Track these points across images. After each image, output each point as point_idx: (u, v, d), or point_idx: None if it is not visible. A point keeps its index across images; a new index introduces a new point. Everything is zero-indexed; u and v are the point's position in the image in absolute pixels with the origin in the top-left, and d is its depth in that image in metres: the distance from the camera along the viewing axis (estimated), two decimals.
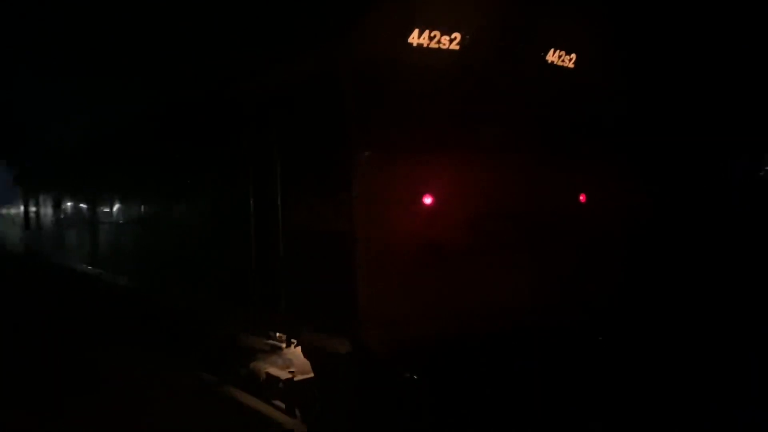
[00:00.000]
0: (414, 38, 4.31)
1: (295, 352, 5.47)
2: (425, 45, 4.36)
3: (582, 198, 5.17)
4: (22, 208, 17.98)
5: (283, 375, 5.43)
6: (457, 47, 4.49)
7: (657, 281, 7.29)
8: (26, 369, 6.88)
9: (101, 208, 10.29)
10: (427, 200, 4.33)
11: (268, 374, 5.59)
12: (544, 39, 4.99)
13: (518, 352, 4.59)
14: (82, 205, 11.70)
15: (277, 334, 5.63)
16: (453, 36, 4.45)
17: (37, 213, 15.85)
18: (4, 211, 23.24)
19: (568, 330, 4.97)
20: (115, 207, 9.59)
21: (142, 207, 8.56)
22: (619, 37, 5.31)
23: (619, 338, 5.63)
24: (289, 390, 5.35)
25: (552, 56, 5.23)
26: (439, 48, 4.41)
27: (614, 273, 5.23)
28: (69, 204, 12.68)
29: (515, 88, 4.81)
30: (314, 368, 5.13)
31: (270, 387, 5.58)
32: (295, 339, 5.32)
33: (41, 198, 15.34)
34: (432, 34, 4.37)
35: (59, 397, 5.82)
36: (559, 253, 4.84)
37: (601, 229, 5.08)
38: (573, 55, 5.38)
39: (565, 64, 5.40)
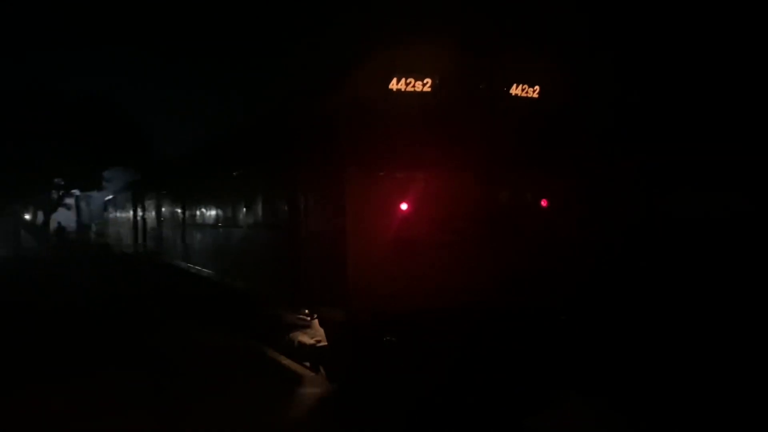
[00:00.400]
0: (393, 85, 6.02)
1: (318, 324, 7.34)
2: (402, 89, 6.05)
3: (543, 203, 6.71)
4: (131, 212, 21.33)
5: (310, 342, 7.45)
6: (429, 89, 6.15)
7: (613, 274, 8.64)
8: (143, 337, 9.59)
9: (190, 214, 12.71)
10: (403, 207, 5.99)
11: (300, 342, 7.67)
12: (501, 77, 6.48)
13: (473, 323, 6.14)
14: (176, 211, 14.21)
15: (306, 311, 7.49)
16: (425, 81, 6.14)
17: (143, 217, 18.72)
18: (121, 214, 28.15)
19: (526, 309, 6.70)
20: (199, 214, 11.91)
21: (218, 215, 10.73)
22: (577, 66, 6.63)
23: (582, 320, 7.13)
24: (314, 353, 7.32)
25: (514, 90, 6.75)
26: (414, 91, 6.09)
27: (567, 265, 6.57)
28: (167, 210, 15.30)
29: (477, 118, 6.34)
30: (326, 335, 7.01)
31: (301, 351, 7.65)
32: (315, 314, 7.18)
33: (146, 204, 18.19)
34: (408, 81, 6.08)
35: (166, 356, 8.31)
36: (511, 247, 6.32)
37: (551, 228, 6.54)
38: (535, 88, 6.90)
39: (529, 95, 6.89)
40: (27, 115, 30.64)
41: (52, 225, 37.85)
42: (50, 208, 38.64)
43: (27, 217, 40.03)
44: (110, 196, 30.39)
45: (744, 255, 9.47)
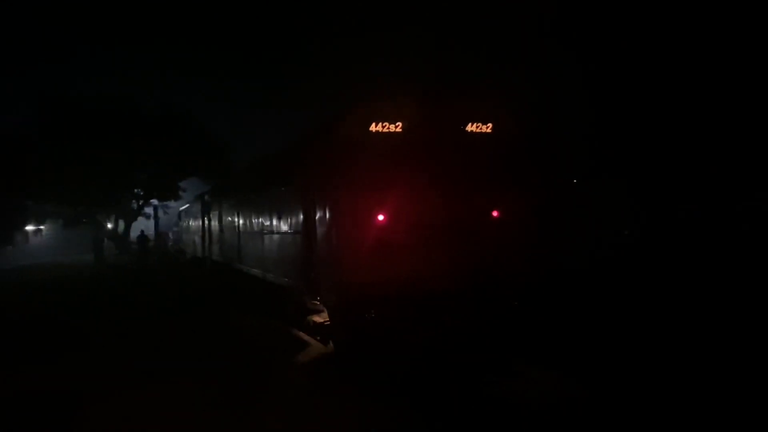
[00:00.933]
0: (372, 128, 8.63)
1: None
2: (380, 131, 8.65)
3: (494, 213, 9.33)
4: (199, 222, 24.92)
5: (320, 321, 10.25)
6: (400, 130, 8.73)
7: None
8: (216, 324, 12.96)
9: (240, 223, 15.94)
10: (380, 217, 8.55)
11: (314, 321, 10.50)
12: (459, 118, 9.07)
13: (435, 305, 8.67)
14: (231, 220, 17.45)
15: (317, 299, 10.27)
16: (396, 124, 8.73)
17: (208, 226, 22.38)
18: (191, 223, 29.93)
19: (480, 295, 9.08)
20: (247, 223, 15.09)
21: (259, 224, 13.78)
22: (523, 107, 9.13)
23: (540, 307, 9.52)
24: (322, 329, 10.11)
25: (469, 127, 9.25)
26: (388, 131, 8.68)
27: (514, 261, 9.07)
28: (225, 220, 18.66)
29: (438, 150, 8.88)
30: (329, 315, 9.67)
31: (315, 328, 10.49)
32: (321, 300, 9.90)
33: (210, 214, 21.77)
34: (383, 125, 8.68)
35: (232, 335, 11.58)
36: (465, 248, 8.77)
37: (500, 233, 9.02)
38: (488, 125, 9.33)
39: (482, 131, 9.33)
40: (110, 129, 34.03)
41: (133, 233, 40.14)
42: (131, 217, 42.25)
43: (109, 225, 42.94)
44: (183, 207, 33.93)
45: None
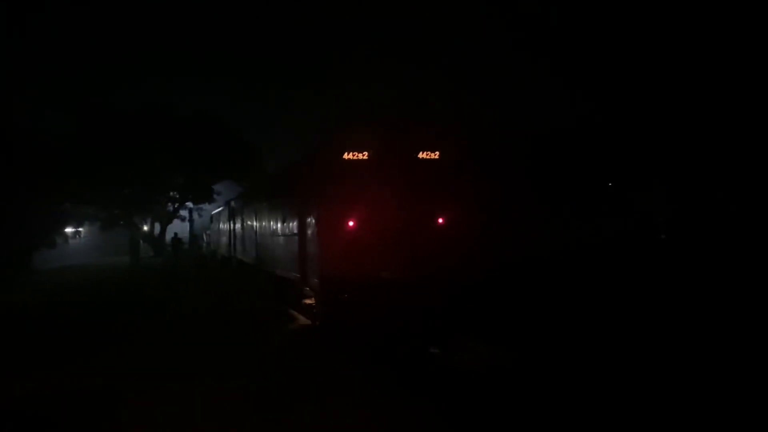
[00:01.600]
0: (345, 156, 12.06)
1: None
2: (351, 158, 12.07)
3: (440, 220, 12.90)
4: (227, 225, 29.11)
5: (309, 303, 13.75)
6: (366, 157, 12.13)
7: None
8: (235, 308, 16.88)
9: (257, 227, 19.82)
10: (351, 223, 11.97)
11: (305, 304, 13.99)
12: (413, 148, 12.56)
13: (391, 289, 11.97)
14: (250, 225, 21.34)
15: (307, 287, 13.85)
16: (363, 153, 12.14)
17: (234, 229, 26.54)
18: (221, 226, 33.74)
19: (425, 281, 12.30)
20: (261, 227, 18.99)
21: (269, 228, 17.59)
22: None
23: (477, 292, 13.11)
24: (310, 309, 13.59)
25: (421, 155, 12.77)
26: (357, 159, 12.08)
27: (453, 256, 12.39)
28: (246, 224, 22.56)
29: (396, 172, 12.21)
30: (314, 298, 13.25)
31: (305, 309, 13.97)
32: (309, 287, 13.49)
33: (236, 219, 25.84)
34: (353, 153, 12.08)
35: (246, 315, 15.40)
36: (416, 246, 12.09)
37: (443, 235, 12.43)
38: (436, 153, 12.88)
39: (431, 157, 12.92)
40: (147, 134, 36.92)
41: (168, 235, 41.68)
42: (166, 220, 44.54)
43: (145, 228, 45.71)
44: (215, 211, 37.52)
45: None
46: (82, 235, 46.00)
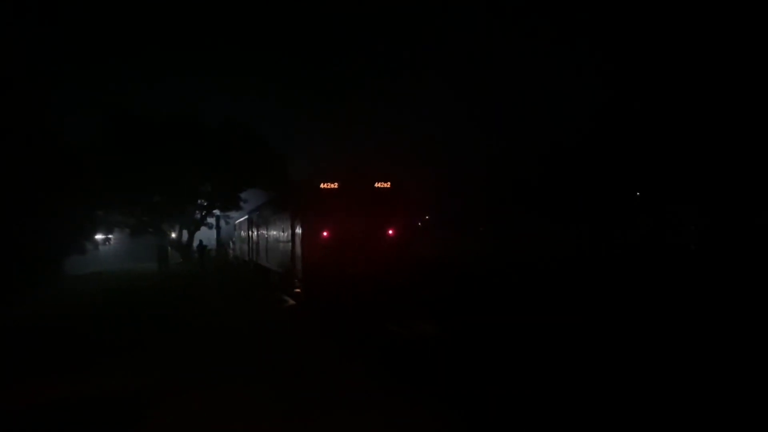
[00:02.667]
0: (321, 185, 18.59)
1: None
2: (325, 188, 18.54)
3: (390, 232, 19.86)
4: (248, 233, 36.44)
5: (297, 290, 20.27)
6: (336, 186, 18.52)
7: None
8: (245, 297, 23.97)
9: (266, 234, 26.80)
10: (325, 234, 18.42)
11: (295, 291, 20.30)
12: (371, 179, 19.52)
13: (356, 282, 18.54)
14: (262, 233, 28.29)
15: (297, 279, 20.44)
16: (335, 183, 18.59)
17: (251, 236, 33.84)
18: (243, 234, 39.86)
19: (381, 277, 18.90)
20: (268, 234, 26.00)
21: (272, 235, 24.58)
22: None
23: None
24: (298, 295, 20.24)
25: (376, 185, 18.92)
26: (330, 188, 18.54)
27: (400, 260, 19.28)
28: (261, 232, 29.47)
29: (359, 197, 18.96)
30: (299, 284, 20.06)
31: (294, 295, 20.55)
32: (297, 278, 20.24)
33: (253, 227, 32.99)
34: (327, 184, 18.48)
35: (252, 301, 22.60)
36: (373, 251, 18.88)
37: (392, 244, 19.18)
38: (387, 183, 19.21)
39: (384, 186, 19.34)
40: (176, 141, 41.02)
41: (195, 243, 45.63)
42: (194, 227, 48.83)
43: (173, 235, 49.47)
44: (239, 220, 43.09)
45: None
46: (111, 242, 49.31)
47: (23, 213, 23.35)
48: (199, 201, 48.39)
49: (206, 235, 49.17)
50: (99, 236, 45.72)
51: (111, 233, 48.39)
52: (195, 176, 44.30)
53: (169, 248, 45.08)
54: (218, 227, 52.60)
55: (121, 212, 43.94)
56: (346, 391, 9.47)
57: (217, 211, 49.95)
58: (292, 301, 21.26)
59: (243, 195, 48.13)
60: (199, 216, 49.65)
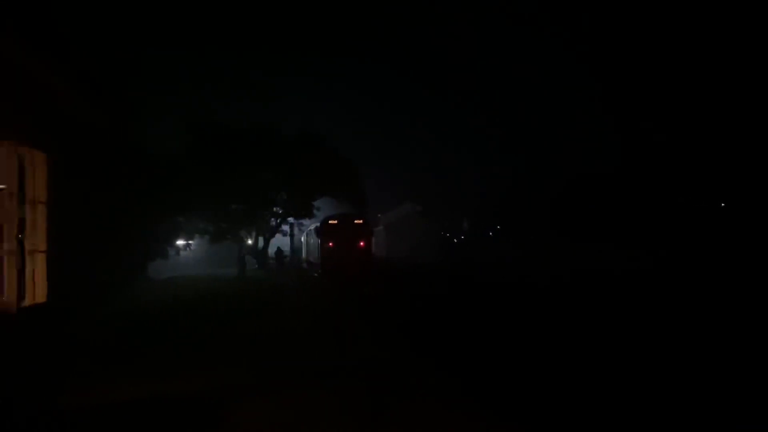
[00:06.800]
0: (330, 222, 46.26)
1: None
2: (332, 223, 46.41)
3: (361, 244, 46.32)
4: (314, 240, 52.15)
5: (320, 271, 46.86)
6: (336, 222, 46.20)
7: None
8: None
9: (317, 243, 53.33)
10: (330, 244, 45.83)
11: (318, 272, 48.48)
12: (354, 218, 48.94)
13: (344, 267, 45.97)
14: (317, 241, 54.91)
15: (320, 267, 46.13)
16: (337, 220, 46.51)
17: (313, 243, 59.37)
18: (313, 241, 50.89)
19: (357, 265, 45.84)
20: (317, 243, 52.06)
21: (316, 243, 50.34)
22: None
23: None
24: (319, 273, 48.02)
25: (356, 221, 48.72)
26: (335, 223, 46.65)
27: (368, 260, 47.27)
28: (318, 241, 55.89)
29: (347, 226, 47.93)
30: (320, 268, 47.83)
31: (319, 275, 48.48)
32: (320, 266, 46.08)
33: (314, 237, 57.39)
34: (333, 220, 46.77)
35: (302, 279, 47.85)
36: (353, 253, 47.14)
37: (363, 250, 47.53)
38: (361, 219, 48.11)
39: (358, 222, 48.47)
40: (254, 151, 45.64)
41: (271, 249, 52.46)
42: (269, 234, 53.70)
43: (249, 241, 53.88)
44: (310, 228, 53.57)
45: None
46: (192, 248, 54.17)
47: (122, 223, 25.23)
48: (274, 209, 52.30)
49: (281, 242, 56.79)
50: (180, 242, 50.58)
51: (191, 239, 52.71)
52: (271, 185, 49.18)
53: (246, 254, 49.34)
54: (292, 234, 59.63)
55: (201, 219, 47.83)
56: (342, 305, 24.01)
57: (291, 219, 54.31)
58: (316, 275, 46.07)
59: (316, 203, 52.95)
60: (274, 223, 53.68)
